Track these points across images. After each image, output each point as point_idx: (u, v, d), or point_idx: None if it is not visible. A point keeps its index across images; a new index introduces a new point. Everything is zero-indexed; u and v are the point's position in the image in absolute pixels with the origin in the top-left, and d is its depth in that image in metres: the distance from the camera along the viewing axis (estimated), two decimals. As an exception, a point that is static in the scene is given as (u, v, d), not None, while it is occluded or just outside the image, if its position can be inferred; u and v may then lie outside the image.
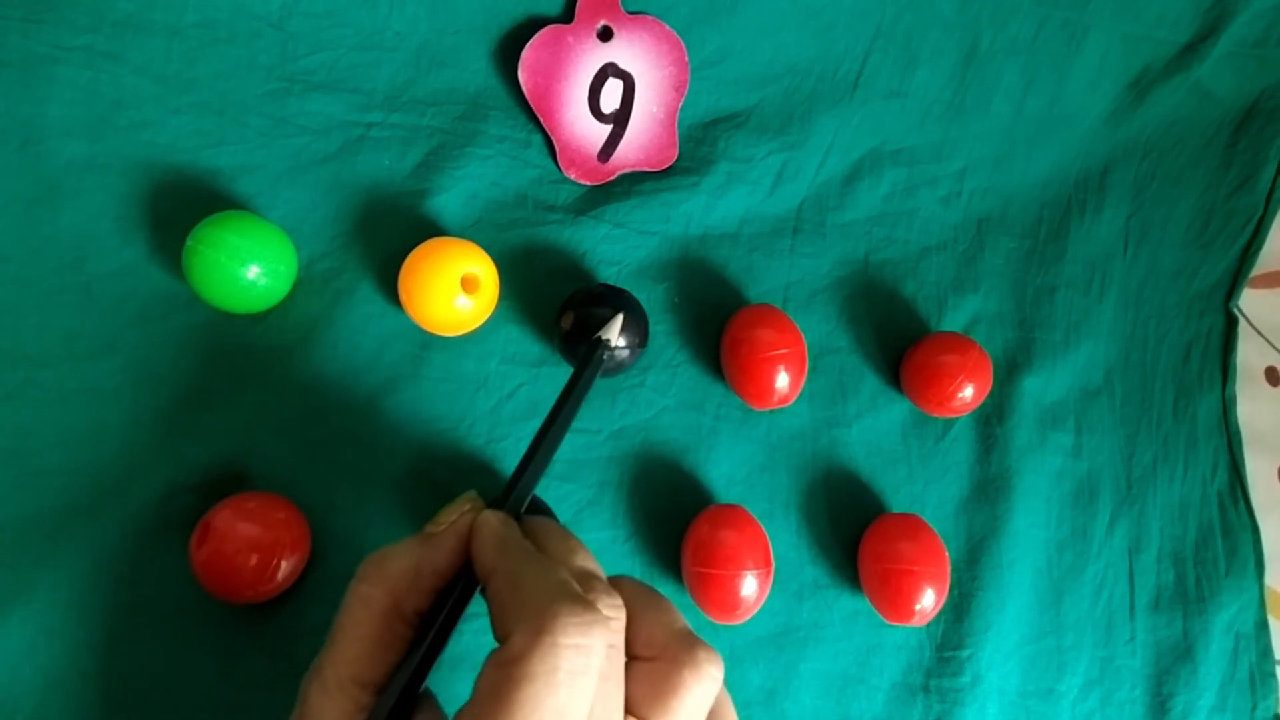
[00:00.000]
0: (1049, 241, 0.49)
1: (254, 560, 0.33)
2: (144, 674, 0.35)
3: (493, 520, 0.25)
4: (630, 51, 0.42)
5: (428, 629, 0.23)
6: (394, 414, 0.39)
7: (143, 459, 0.36)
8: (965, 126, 0.48)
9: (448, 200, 0.41)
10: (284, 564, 0.34)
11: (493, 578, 0.23)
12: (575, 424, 0.40)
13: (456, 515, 0.26)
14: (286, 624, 0.36)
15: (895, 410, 0.45)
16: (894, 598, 0.40)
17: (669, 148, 0.44)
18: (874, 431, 0.45)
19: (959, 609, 0.43)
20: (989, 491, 0.45)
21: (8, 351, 0.35)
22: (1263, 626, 0.48)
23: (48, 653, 0.34)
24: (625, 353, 0.39)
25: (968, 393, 0.42)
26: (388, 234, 0.40)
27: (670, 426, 0.42)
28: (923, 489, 0.45)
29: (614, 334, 0.28)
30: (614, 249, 0.43)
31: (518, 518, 0.27)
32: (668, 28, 0.42)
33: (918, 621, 0.40)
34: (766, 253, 0.45)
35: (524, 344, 0.41)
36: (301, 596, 0.36)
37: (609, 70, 0.42)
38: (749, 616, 0.38)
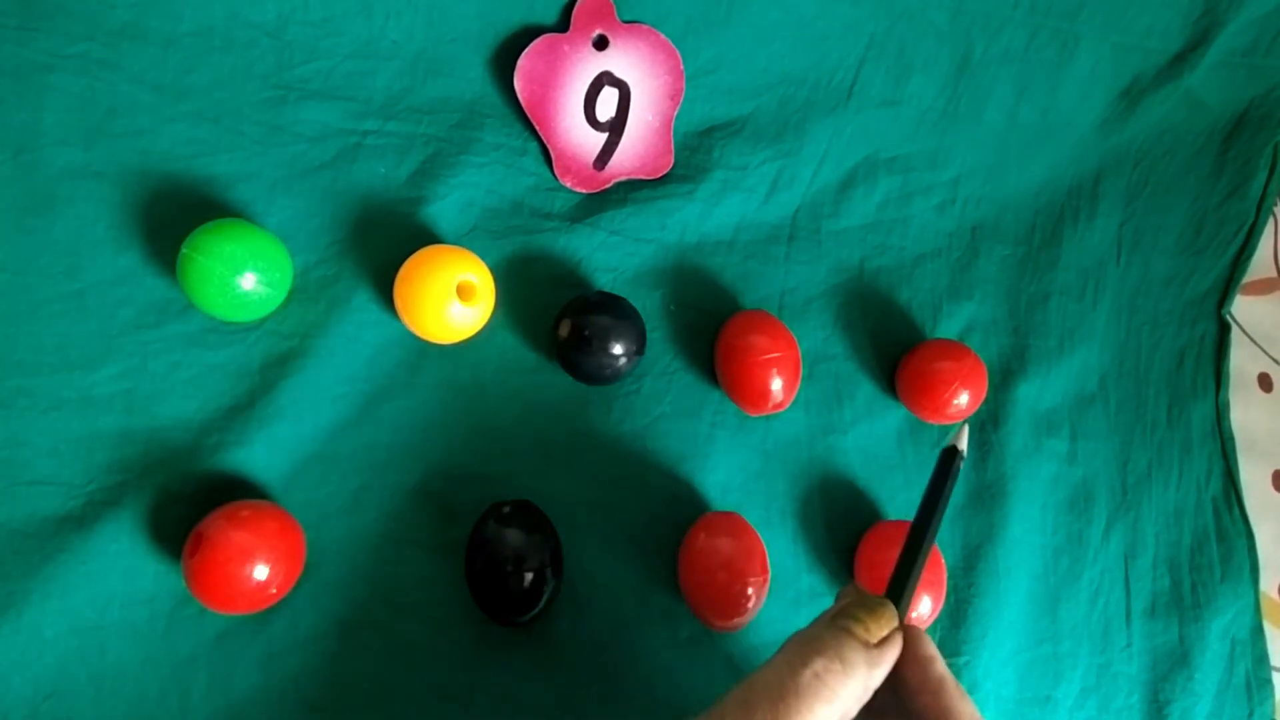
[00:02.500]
0: (1042, 249, 0.50)
1: (247, 570, 0.33)
2: (135, 684, 0.34)
3: (939, 661, 0.29)
4: (626, 60, 0.42)
5: None
6: (389, 422, 0.39)
7: (135, 468, 0.36)
8: (959, 135, 0.48)
9: (443, 208, 0.41)
10: (278, 574, 0.34)
11: (929, 713, 0.28)
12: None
13: (888, 630, 0.29)
14: (280, 634, 0.36)
15: (891, 417, 0.45)
16: (891, 605, 0.40)
17: (664, 156, 0.44)
18: (870, 438, 0.45)
19: (955, 616, 0.43)
20: (984, 498, 0.45)
21: (1, 359, 0.35)
22: (1258, 632, 0.48)
23: (39, 663, 0.33)
24: (623, 361, 0.38)
25: (963, 399, 0.43)
26: (383, 241, 0.40)
27: (666, 434, 0.42)
28: (919, 496, 0.44)
29: (963, 442, 0.32)
30: (610, 256, 0.43)
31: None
32: (663, 37, 0.43)
33: (914, 629, 0.40)
34: (762, 260, 0.45)
35: (520, 351, 0.41)
36: (295, 606, 0.36)
37: (604, 79, 0.42)
38: (746, 624, 0.38)
